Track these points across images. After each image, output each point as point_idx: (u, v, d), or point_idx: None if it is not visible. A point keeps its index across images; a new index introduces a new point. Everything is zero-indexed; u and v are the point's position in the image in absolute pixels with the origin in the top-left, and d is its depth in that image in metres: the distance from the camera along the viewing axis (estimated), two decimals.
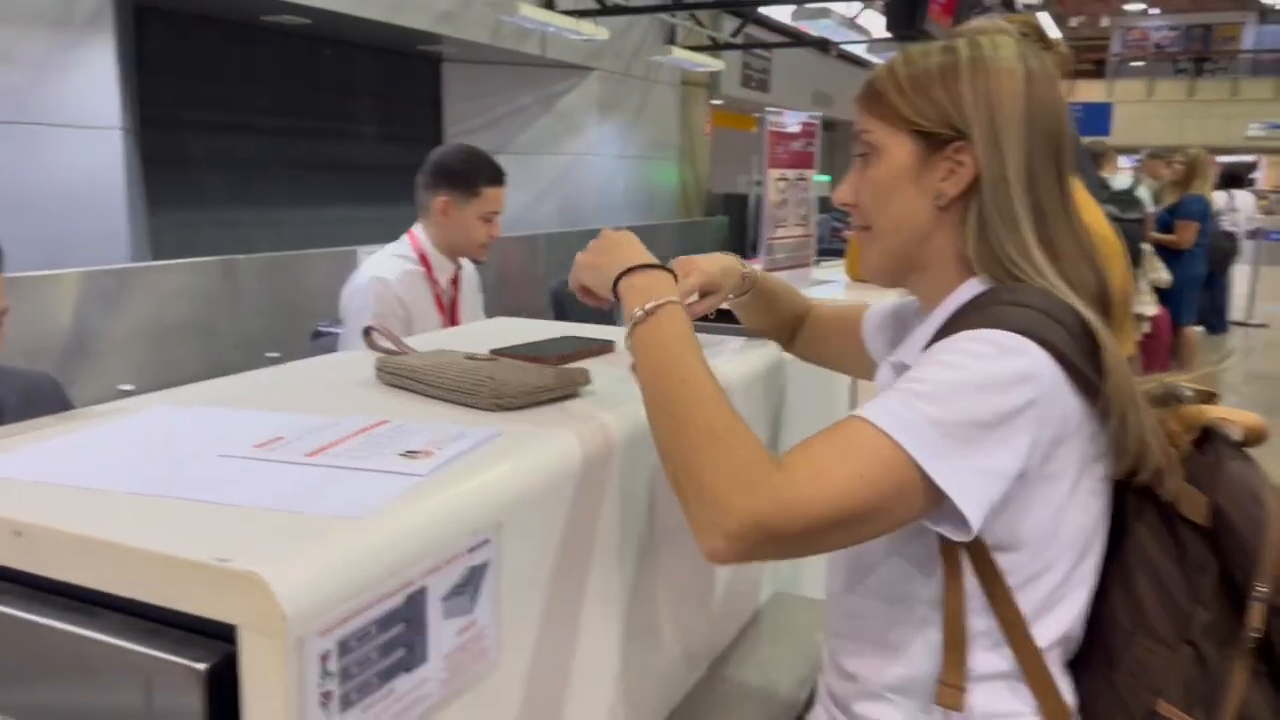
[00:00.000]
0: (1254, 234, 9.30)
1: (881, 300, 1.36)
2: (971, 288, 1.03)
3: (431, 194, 2.60)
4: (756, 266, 1.38)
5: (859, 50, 13.40)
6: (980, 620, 0.97)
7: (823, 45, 12.65)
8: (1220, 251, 7.06)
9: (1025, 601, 0.97)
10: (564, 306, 4.94)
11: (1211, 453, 0.99)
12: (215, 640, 0.65)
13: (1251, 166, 14.62)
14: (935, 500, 0.87)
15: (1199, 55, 27.40)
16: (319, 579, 0.65)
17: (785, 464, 0.86)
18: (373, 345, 1.33)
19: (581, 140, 9.69)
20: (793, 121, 2.13)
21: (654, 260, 1.07)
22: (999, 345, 0.90)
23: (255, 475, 0.80)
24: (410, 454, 0.85)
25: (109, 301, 4.67)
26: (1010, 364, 0.90)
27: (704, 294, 1.26)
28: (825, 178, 12.70)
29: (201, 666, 0.65)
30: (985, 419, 0.88)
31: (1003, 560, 0.96)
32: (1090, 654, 1.01)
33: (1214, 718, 0.93)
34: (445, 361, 1.08)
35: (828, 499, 0.84)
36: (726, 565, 0.91)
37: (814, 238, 2.27)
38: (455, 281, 2.77)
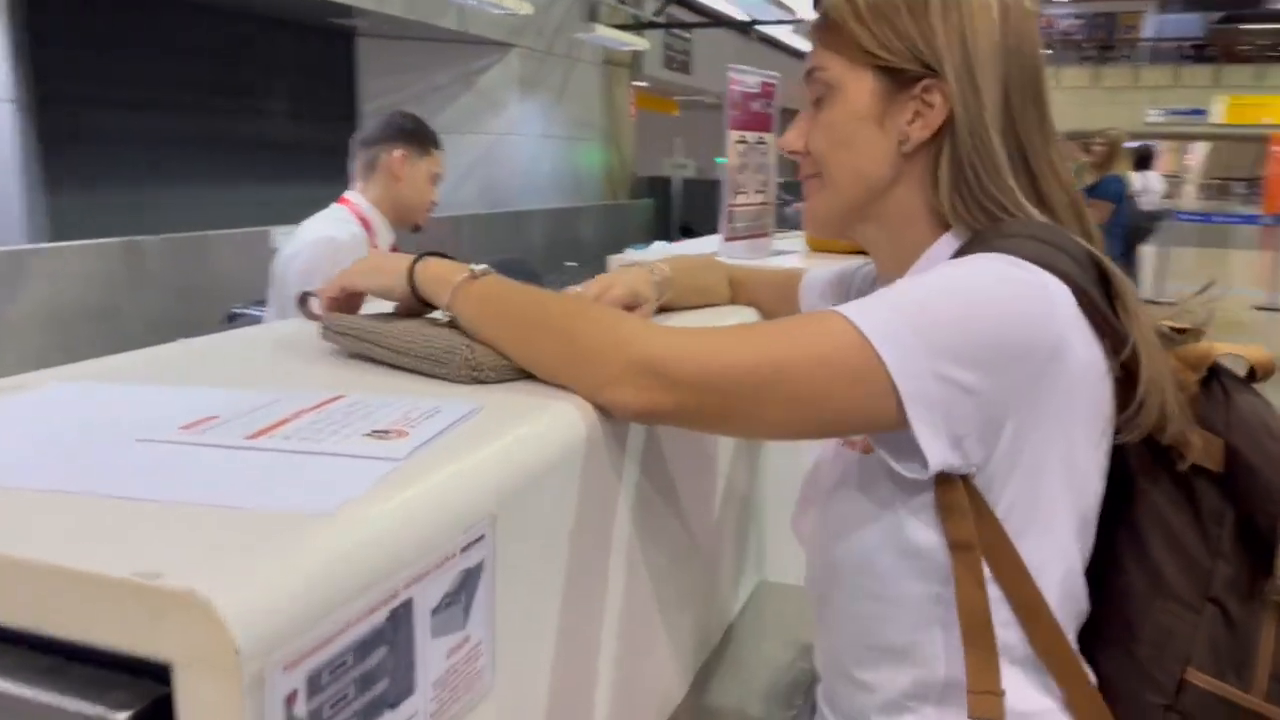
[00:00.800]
0: (1161, 215, 9.51)
1: (822, 266, 1.24)
2: (948, 243, 0.91)
3: (384, 149, 2.50)
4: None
5: (781, 34, 13.40)
6: (1000, 609, 0.86)
7: (744, 27, 12.59)
8: (1141, 231, 7.19)
9: (1041, 576, 0.85)
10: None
11: (1217, 391, 0.89)
12: (143, 680, 0.49)
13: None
14: (896, 419, 0.78)
15: (1104, 43, 28.18)
16: (280, 596, 0.49)
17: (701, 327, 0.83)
18: (311, 314, 1.16)
19: (503, 119, 9.45)
20: (753, 79, 2.00)
21: None
22: (1006, 273, 0.81)
23: (184, 464, 0.63)
24: (379, 434, 0.69)
25: (1, 286, 4.34)
26: (1001, 288, 0.80)
27: (628, 308, 1.13)
28: None
29: (122, 717, 0.49)
30: (968, 343, 0.78)
31: (1014, 531, 0.84)
32: (1106, 628, 0.89)
33: (1246, 679, 0.84)
34: (406, 326, 0.92)
35: (745, 351, 0.81)
36: (629, 418, 0.86)
37: (773, 205, 2.15)
38: (395, 253, 2.61)
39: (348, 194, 2.56)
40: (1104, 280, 0.85)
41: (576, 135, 10.37)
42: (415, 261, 0.96)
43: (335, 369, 0.92)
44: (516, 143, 9.57)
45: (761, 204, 2.09)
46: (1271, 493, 0.85)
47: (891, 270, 0.98)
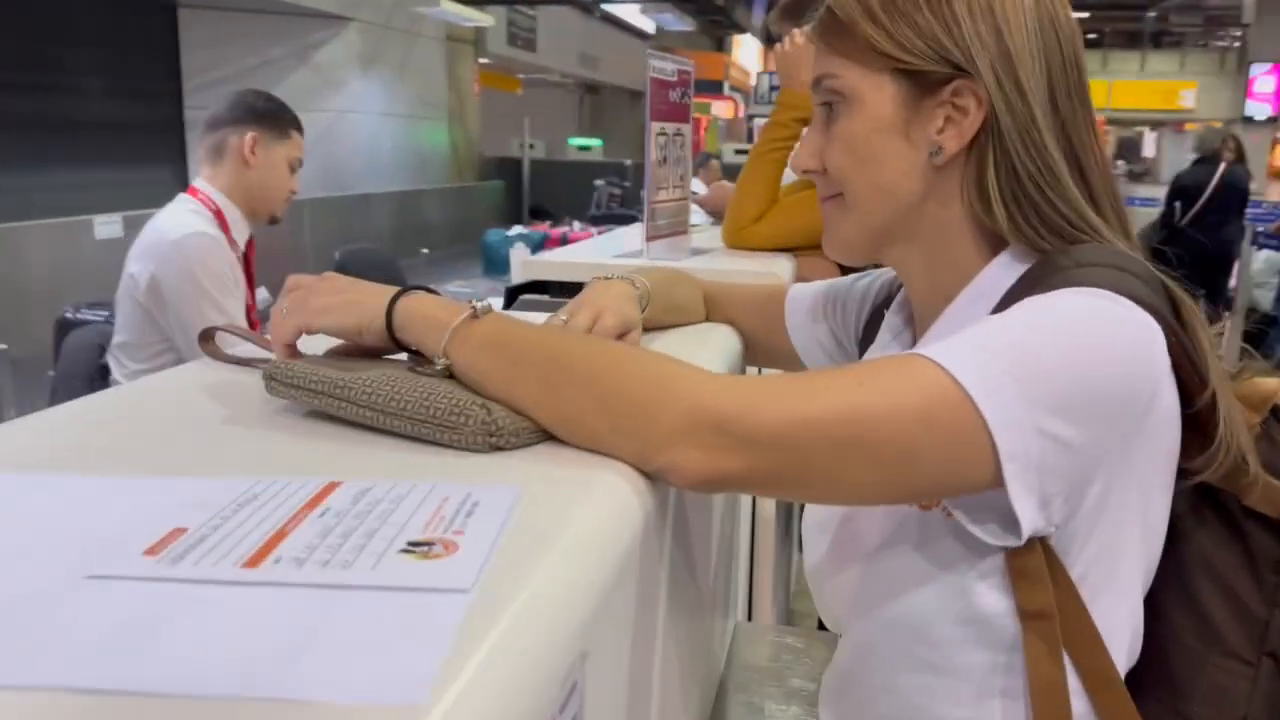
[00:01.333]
0: None
1: (811, 282, 1.13)
2: (1009, 265, 0.82)
3: (233, 131, 2.23)
4: (640, 260, 1.11)
5: (625, 13, 13.28)
6: (1069, 679, 0.77)
7: (586, 6, 12.42)
8: None
9: (1112, 641, 0.78)
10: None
11: (1277, 432, 0.83)
12: None
13: None
14: (990, 479, 0.67)
15: None
16: None
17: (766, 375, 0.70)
18: (218, 354, 0.96)
19: (343, 96, 8.98)
20: (670, 68, 1.86)
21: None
22: (1107, 312, 0.71)
23: (169, 622, 0.45)
24: (420, 547, 0.53)
25: None
26: (1106, 329, 0.71)
27: (619, 336, 0.98)
28: (596, 141, 12.56)
29: None
30: (1071, 393, 0.68)
31: (1089, 595, 0.76)
32: (1149, 681, 0.82)
33: None
34: (386, 376, 0.74)
35: (827, 404, 0.68)
36: (689, 485, 0.69)
37: (689, 201, 2.03)
38: (249, 248, 2.35)
39: (196, 182, 2.29)
40: (1175, 310, 0.77)
41: (420, 114, 9.98)
42: (396, 298, 0.79)
43: (296, 435, 0.73)
44: (357, 121, 9.12)
45: (680, 199, 1.96)
46: None
47: (931, 296, 0.87)
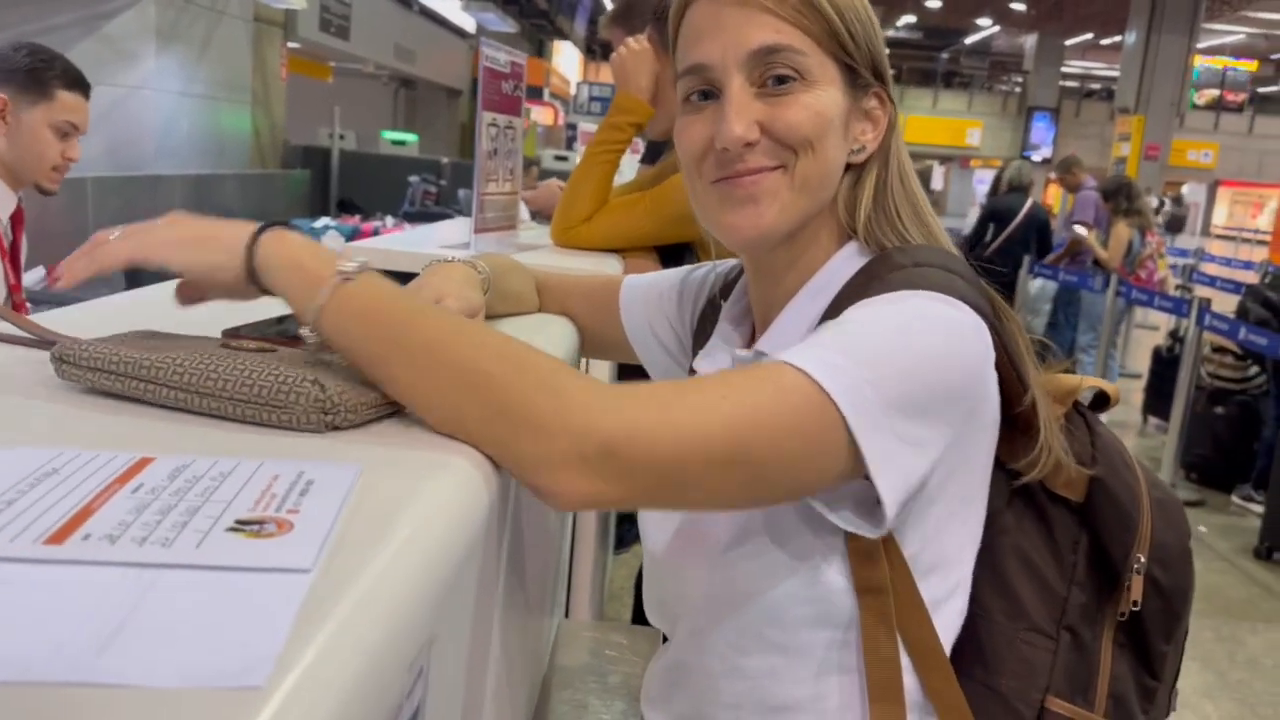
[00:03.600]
0: None
1: (639, 273, 1.15)
2: (851, 257, 0.86)
3: None
4: (467, 251, 1.08)
5: (445, 9, 13.05)
6: (902, 655, 0.81)
7: None
8: None
9: (937, 617, 0.83)
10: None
11: (1080, 423, 0.90)
12: None
13: None
14: (851, 472, 0.70)
15: None
16: None
17: (646, 386, 0.68)
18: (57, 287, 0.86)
19: (136, 71, 8.39)
20: (503, 58, 1.83)
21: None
22: (946, 317, 0.75)
23: None
24: (250, 526, 0.48)
25: None
26: (946, 333, 0.75)
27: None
28: (411, 137, 12.24)
29: None
30: (920, 395, 0.72)
31: (919, 573, 0.81)
32: (966, 662, 0.87)
33: (1090, 700, 0.86)
34: (196, 352, 0.68)
35: (706, 425, 0.66)
36: (563, 507, 0.67)
37: (519, 197, 2.00)
38: (17, 220, 2.13)
39: None
40: (994, 312, 0.82)
41: (221, 95, 9.44)
42: (258, 234, 0.71)
43: (100, 411, 0.67)
44: (150, 98, 8.54)
45: (510, 193, 1.93)
46: (1127, 522, 0.87)
47: (779, 290, 0.89)
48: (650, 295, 1.11)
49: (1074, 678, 0.86)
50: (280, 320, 0.93)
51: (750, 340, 0.96)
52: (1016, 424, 0.83)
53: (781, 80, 0.81)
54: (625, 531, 2.40)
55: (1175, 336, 5.64)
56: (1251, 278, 5.69)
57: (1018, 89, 29.06)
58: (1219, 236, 25.87)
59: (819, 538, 0.79)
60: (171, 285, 1.00)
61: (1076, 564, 0.87)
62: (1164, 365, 5.59)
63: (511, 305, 1.09)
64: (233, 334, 0.84)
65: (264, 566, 0.44)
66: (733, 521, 0.83)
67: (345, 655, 0.40)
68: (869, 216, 0.86)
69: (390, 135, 11.91)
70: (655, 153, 2.34)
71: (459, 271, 0.97)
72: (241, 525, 0.48)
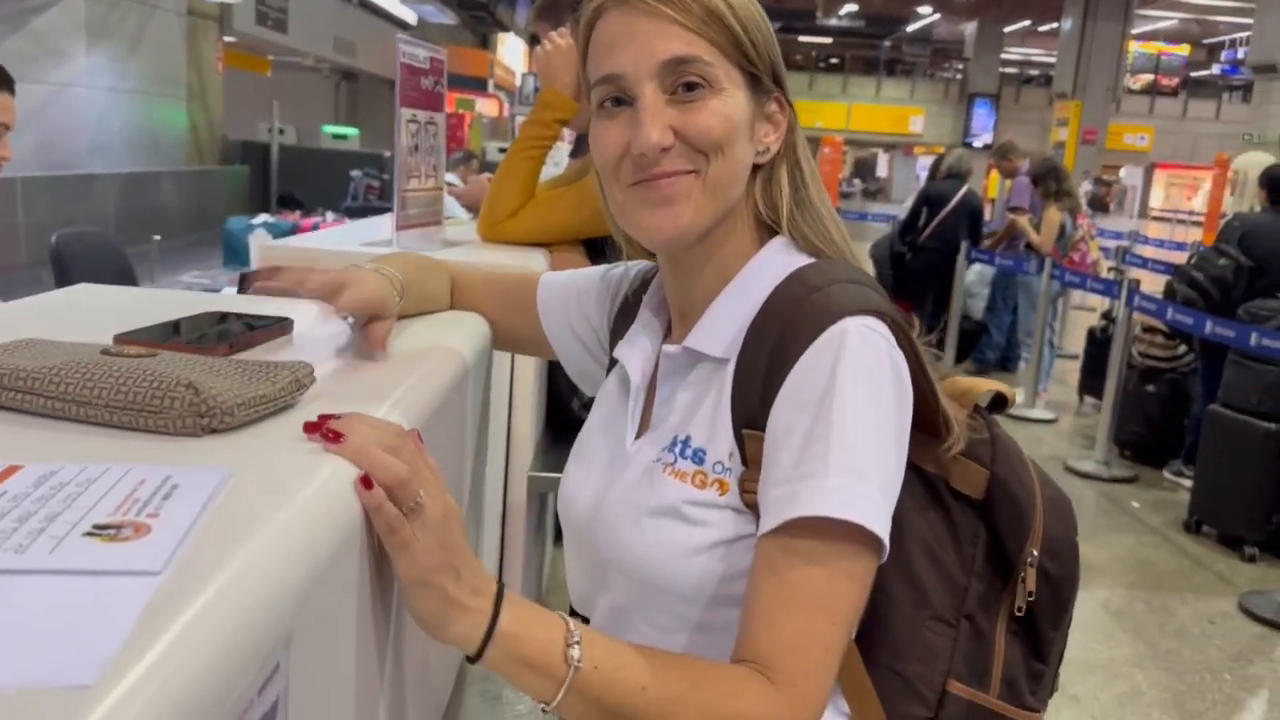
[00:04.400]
0: None
1: (567, 266, 1.17)
2: (776, 251, 0.91)
3: None
4: (390, 249, 1.10)
5: (385, 1, 12.91)
6: None
7: None
8: None
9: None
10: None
11: (981, 425, 0.94)
12: None
13: None
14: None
15: None
16: None
17: (771, 662, 0.75)
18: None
19: (66, 69, 8.20)
20: (422, 54, 1.83)
21: (476, 577, 0.72)
22: (888, 359, 0.82)
23: None
24: (106, 530, 0.49)
25: None
26: (888, 364, 0.82)
27: (372, 320, 0.96)
28: (353, 130, 12.11)
29: None
30: (895, 448, 0.81)
31: None
32: (873, 648, 0.90)
33: (985, 685, 0.91)
34: (74, 360, 0.68)
35: (830, 663, 0.77)
36: None
37: (444, 192, 2.00)
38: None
39: None
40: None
41: (155, 91, 9.26)
42: (492, 626, 0.71)
43: None
44: (82, 96, 8.35)
45: (434, 189, 1.93)
46: (1023, 519, 0.92)
47: (700, 289, 0.93)
48: (569, 294, 1.13)
49: (972, 663, 0.90)
50: (175, 325, 0.94)
51: (667, 331, 0.98)
52: (924, 427, 0.87)
53: (691, 87, 0.85)
54: None
55: (1108, 317, 5.76)
56: (1183, 259, 5.81)
57: (959, 76, 29.45)
58: (1155, 218, 26.43)
59: (744, 525, 0.82)
60: (67, 291, 1.00)
61: (976, 556, 0.92)
62: (1098, 346, 5.72)
63: (426, 305, 1.11)
64: (124, 338, 0.84)
65: (115, 570, 0.45)
66: (663, 496, 0.86)
67: (187, 652, 0.41)
68: (791, 212, 0.91)
69: (331, 129, 11.76)
70: (583, 145, 2.35)
71: (371, 280, 0.98)
72: (98, 530, 0.49)
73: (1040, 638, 0.95)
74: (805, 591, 0.76)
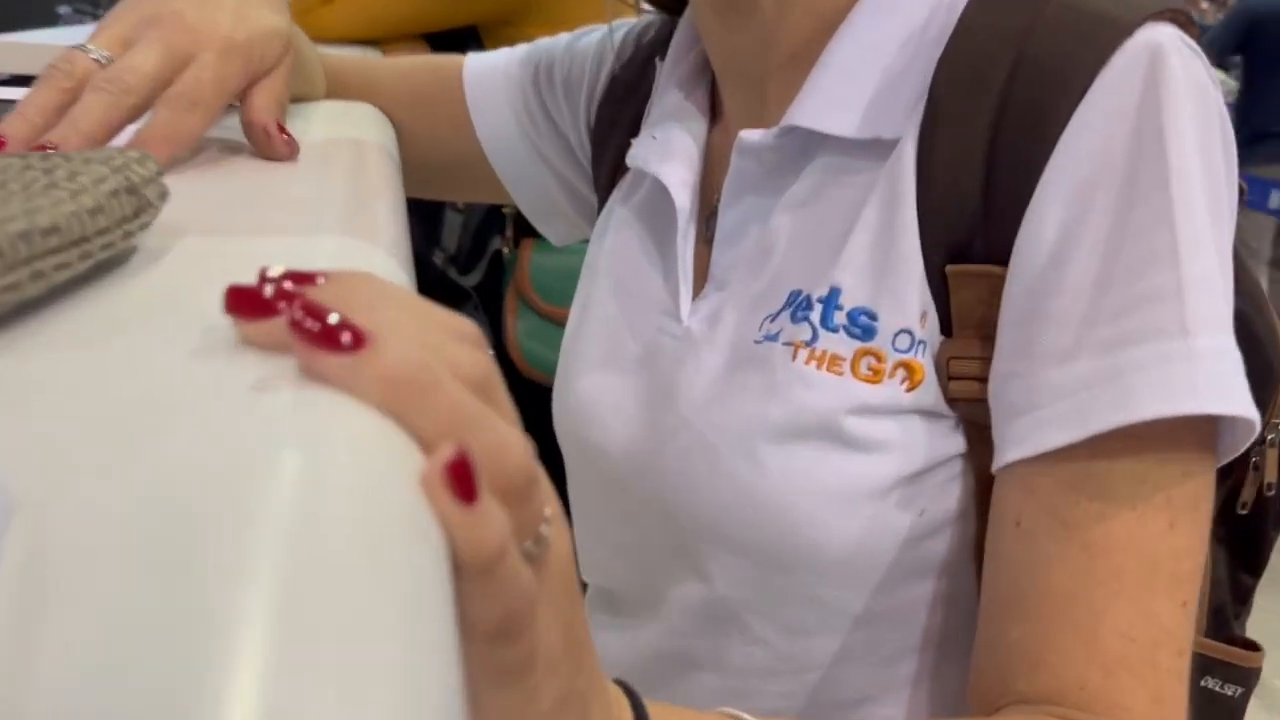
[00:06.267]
0: None
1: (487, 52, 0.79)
2: None
3: None
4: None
5: None
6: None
7: None
8: None
9: None
10: None
11: None
12: None
13: None
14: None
15: None
16: None
17: (1094, 696, 0.44)
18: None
19: None
20: None
21: None
22: (1195, 79, 0.46)
23: None
24: None
25: None
26: (1216, 112, 0.47)
27: (251, 84, 0.55)
28: None
29: None
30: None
31: None
32: None
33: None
34: None
35: (1183, 671, 0.45)
36: None
37: None
38: None
39: None
40: None
41: None
42: None
43: None
44: None
45: None
46: (1267, 371, 0.63)
47: (781, 30, 0.55)
48: (511, 81, 0.75)
49: None
50: None
51: (712, 116, 0.62)
52: None
53: None
54: None
55: None
56: None
57: None
58: None
59: (949, 439, 0.51)
60: None
61: None
62: None
63: (302, 84, 0.69)
64: None
65: None
66: (785, 401, 0.51)
67: None
68: None
69: None
70: None
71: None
72: None
73: (1262, 540, 0.66)
74: (1135, 558, 0.44)
